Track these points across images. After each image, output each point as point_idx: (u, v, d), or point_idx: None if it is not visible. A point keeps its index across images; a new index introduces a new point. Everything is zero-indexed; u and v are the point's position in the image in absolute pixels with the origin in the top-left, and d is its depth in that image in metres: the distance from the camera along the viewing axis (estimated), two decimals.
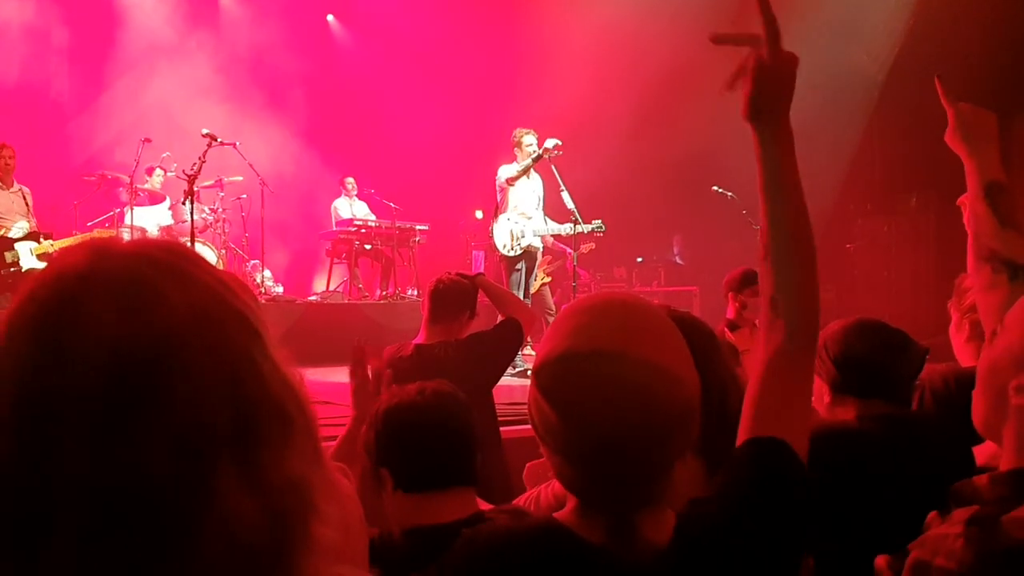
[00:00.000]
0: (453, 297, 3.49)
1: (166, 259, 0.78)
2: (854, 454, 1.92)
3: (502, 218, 7.78)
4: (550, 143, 7.41)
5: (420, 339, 3.47)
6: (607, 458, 1.13)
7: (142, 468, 0.69)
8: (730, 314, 4.66)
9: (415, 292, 10.52)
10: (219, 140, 7.70)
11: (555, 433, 1.16)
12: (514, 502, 2.07)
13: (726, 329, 4.49)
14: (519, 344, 3.63)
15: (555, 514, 1.23)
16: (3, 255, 6.83)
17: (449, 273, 3.58)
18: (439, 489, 1.86)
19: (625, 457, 1.12)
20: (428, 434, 1.91)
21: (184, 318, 0.74)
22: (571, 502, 1.21)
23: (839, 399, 2.11)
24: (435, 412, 1.93)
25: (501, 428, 3.67)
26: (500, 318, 3.72)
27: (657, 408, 1.11)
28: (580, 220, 7.51)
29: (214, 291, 0.78)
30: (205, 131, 7.65)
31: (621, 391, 1.11)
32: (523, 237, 7.74)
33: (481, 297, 3.65)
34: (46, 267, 0.79)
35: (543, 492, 1.99)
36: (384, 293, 10.38)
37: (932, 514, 1.26)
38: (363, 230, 10.28)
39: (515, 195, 7.72)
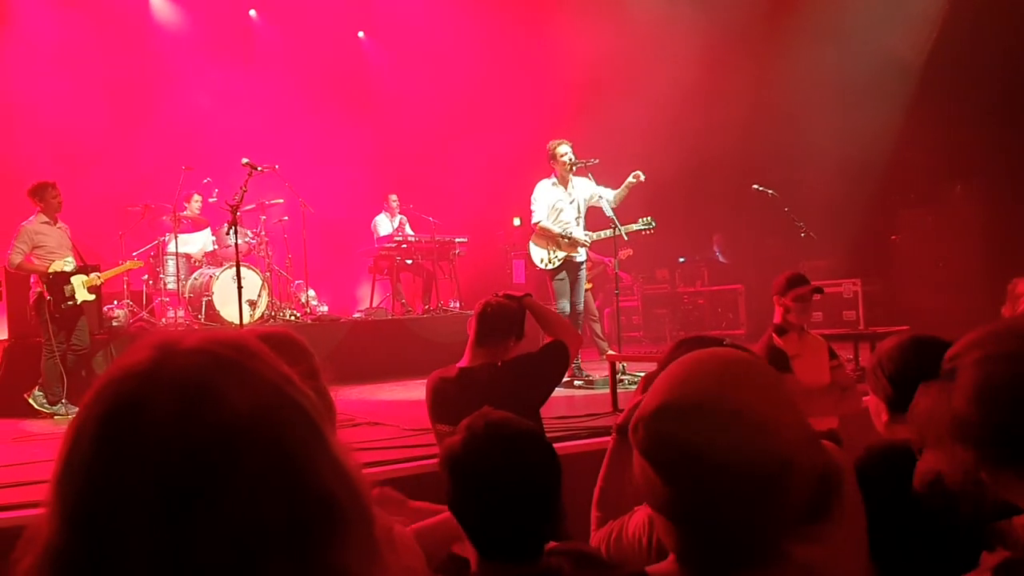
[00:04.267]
0: (500, 320, 3.44)
1: (230, 356, 0.79)
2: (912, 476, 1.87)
3: (534, 236, 7.85)
4: (631, 179, 7.47)
5: (465, 362, 3.45)
6: (704, 516, 1.08)
7: (198, 567, 0.71)
8: (776, 318, 4.60)
9: (457, 305, 10.58)
10: (259, 168, 7.80)
11: (653, 489, 1.11)
12: (594, 536, 1.98)
13: (773, 334, 4.50)
14: (565, 366, 3.60)
15: (651, 568, 1.20)
16: (63, 289, 7.03)
17: (496, 295, 3.54)
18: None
19: (724, 516, 1.07)
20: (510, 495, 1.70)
21: (243, 417, 0.76)
22: (671, 557, 1.18)
23: (897, 417, 2.07)
24: (518, 467, 1.71)
25: None
26: (546, 339, 3.70)
27: (758, 464, 1.06)
28: (619, 225, 7.50)
29: (276, 387, 0.79)
30: (245, 160, 7.75)
31: (720, 447, 1.06)
32: (558, 250, 7.76)
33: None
34: (113, 365, 0.80)
35: (626, 527, 1.89)
36: (427, 307, 10.47)
37: (984, 554, 1.21)
38: (404, 245, 10.38)
39: (551, 209, 7.75)
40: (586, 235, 7.82)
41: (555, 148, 7.73)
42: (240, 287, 7.27)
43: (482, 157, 12.03)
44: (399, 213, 11.02)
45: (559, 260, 7.74)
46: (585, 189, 7.87)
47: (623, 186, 7.66)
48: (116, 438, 0.74)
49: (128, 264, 8.35)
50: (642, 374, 2.67)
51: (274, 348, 0.85)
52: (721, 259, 12.70)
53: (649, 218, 7.70)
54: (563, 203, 7.80)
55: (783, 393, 1.14)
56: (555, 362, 3.52)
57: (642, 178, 7.50)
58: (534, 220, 7.79)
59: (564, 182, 7.81)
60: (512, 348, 3.46)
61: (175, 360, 0.78)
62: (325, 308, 10.70)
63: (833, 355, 4.63)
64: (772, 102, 11.44)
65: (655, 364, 1.92)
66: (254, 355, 0.81)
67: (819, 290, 4.58)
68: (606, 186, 7.77)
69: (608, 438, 2.18)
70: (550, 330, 3.71)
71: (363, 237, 11.24)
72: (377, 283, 10.76)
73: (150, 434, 0.73)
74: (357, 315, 10.73)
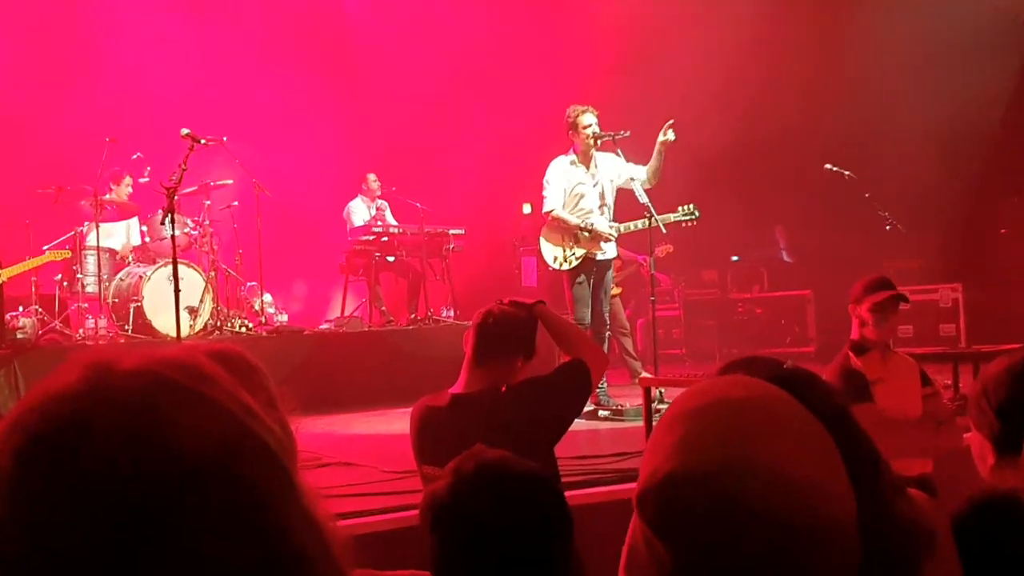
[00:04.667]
0: (505, 335, 3.43)
1: (180, 380, 0.80)
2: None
3: (547, 226, 7.91)
4: (662, 136, 7.52)
5: (459, 387, 3.45)
6: None
7: None
8: (854, 333, 4.64)
9: (451, 313, 10.61)
10: (203, 140, 7.81)
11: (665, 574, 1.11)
12: None
13: (850, 353, 4.52)
14: (587, 392, 3.60)
15: None
16: None
17: (500, 302, 3.53)
18: None
19: None
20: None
21: (199, 454, 0.77)
22: None
23: (1006, 460, 2.07)
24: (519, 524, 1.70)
25: (566, 493, 3.63)
26: (562, 358, 3.70)
27: (795, 538, 1.05)
28: (655, 214, 7.53)
29: (236, 419, 0.81)
30: (185, 131, 7.76)
31: (745, 519, 1.06)
32: (576, 246, 7.82)
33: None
34: (32, 391, 0.81)
35: None
36: (413, 316, 10.47)
37: None
38: (384, 238, 10.39)
39: (569, 195, 7.81)
40: (612, 227, 7.86)
41: (576, 117, 7.78)
42: (177, 290, 7.28)
43: (485, 128, 12.04)
44: (379, 198, 11.05)
45: (577, 258, 7.80)
46: (612, 169, 7.90)
47: (655, 153, 7.68)
48: (43, 476, 0.74)
49: (45, 257, 8.31)
50: None
51: (227, 370, 0.86)
52: (785, 258, 12.80)
53: (691, 206, 7.73)
54: (584, 186, 7.85)
55: (821, 437, 1.13)
56: (574, 387, 3.52)
57: (671, 137, 7.53)
58: (547, 208, 7.87)
59: (586, 160, 7.85)
60: (519, 369, 3.46)
61: (115, 383, 0.78)
62: (285, 317, 10.71)
63: (926, 380, 4.63)
64: (846, 63, 11.55)
65: None
66: (209, 379, 0.82)
67: (902, 297, 4.60)
68: (637, 164, 7.82)
69: None
70: (568, 347, 3.71)
71: (333, 228, 11.26)
72: (351, 286, 10.82)
73: (86, 473, 0.73)
74: (325, 326, 10.74)
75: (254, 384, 0.88)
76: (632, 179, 7.71)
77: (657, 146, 7.63)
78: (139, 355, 0.83)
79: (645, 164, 7.75)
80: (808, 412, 1.15)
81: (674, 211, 7.72)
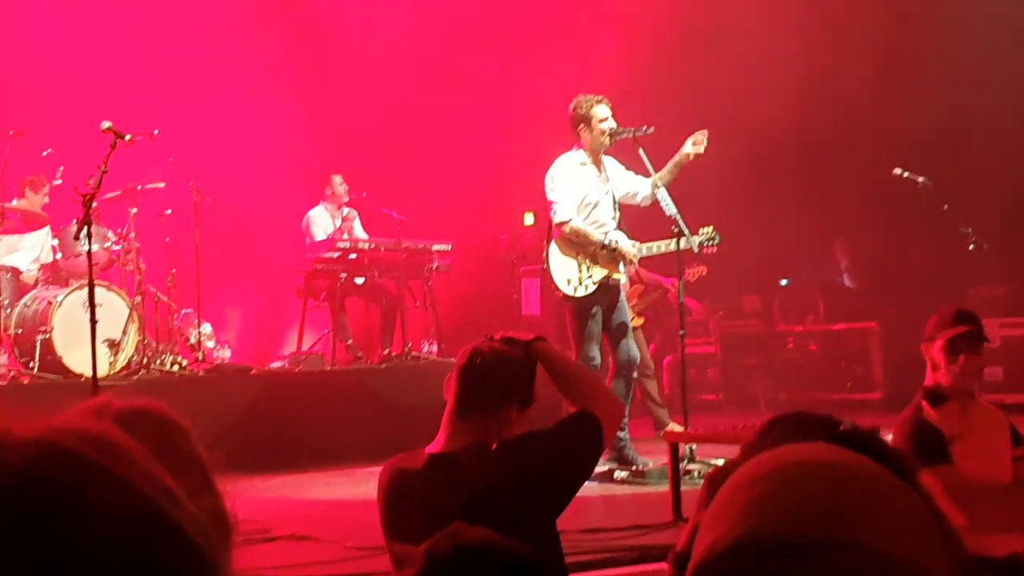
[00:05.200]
0: (496, 381, 3.40)
1: (84, 453, 0.80)
2: None
3: (558, 240, 7.90)
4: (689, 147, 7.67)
5: (439, 443, 3.42)
6: None
7: None
8: (929, 378, 4.66)
9: (434, 348, 10.58)
10: (128, 136, 7.80)
11: None
12: None
13: (924, 403, 4.53)
14: (598, 451, 3.59)
15: None
16: None
17: (490, 339, 3.49)
18: None
19: None
20: None
21: (108, 536, 0.77)
22: None
23: None
24: None
25: None
26: (569, 409, 3.69)
27: None
28: (686, 230, 7.60)
29: (149, 500, 0.80)
30: (106, 124, 7.73)
31: None
32: (595, 266, 7.83)
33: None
34: None
35: None
36: (387, 352, 10.45)
37: None
38: (353, 255, 10.36)
39: (582, 203, 7.86)
40: (634, 245, 7.92)
41: (589, 108, 7.85)
42: (94, 320, 7.19)
43: (476, 120, 12.07)
44: (346, 205, 11.05)
45: (595, 283, 7.83)
46: (619, 176, 8.04)
47: (670, 166, 7.79)
48: None
49: None
50: (721, 461, 2.64)
51: (143, 439, 0.86)
52: (846, 282, 12.87)
53: (711, 229, 7.91)
54: (597, 193, 7.92)
55: (918, 507, 1.13)
56: (582, 445, 3.48)
57: (702, 148, 7.64)
58: (559, 217, 7.87)
59: (597, 161, 7.93)
60: (514, 422, 3.44)
61: (5, 456, 0.78)
62: (227, 353, 10.70)
63: (1018, 438, 4.62)
64: (922, 43, 11.61)
65: (740, 447, 1.92)
66: (123, 456, 0.82)
67: (981, 335, 4.58)
68: (645, 174, 7.90)
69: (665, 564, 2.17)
70: (575, 394, 3.68)
71: (289, 242, 11.24)
72: (310, 313, 10.79)
73: None
74: (277, 364, 10.75)
75: (179, 458, 0.87)
76: (657, 186, 7.75)
77: (677, 157, 7.74)
78: (37, 425, 0.82)
79: (646, 175, 7.84)
80: (903, 487, 1.16)
81: (694, 232, 7.82)
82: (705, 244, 7.88)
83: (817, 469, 1.13)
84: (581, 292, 7.81)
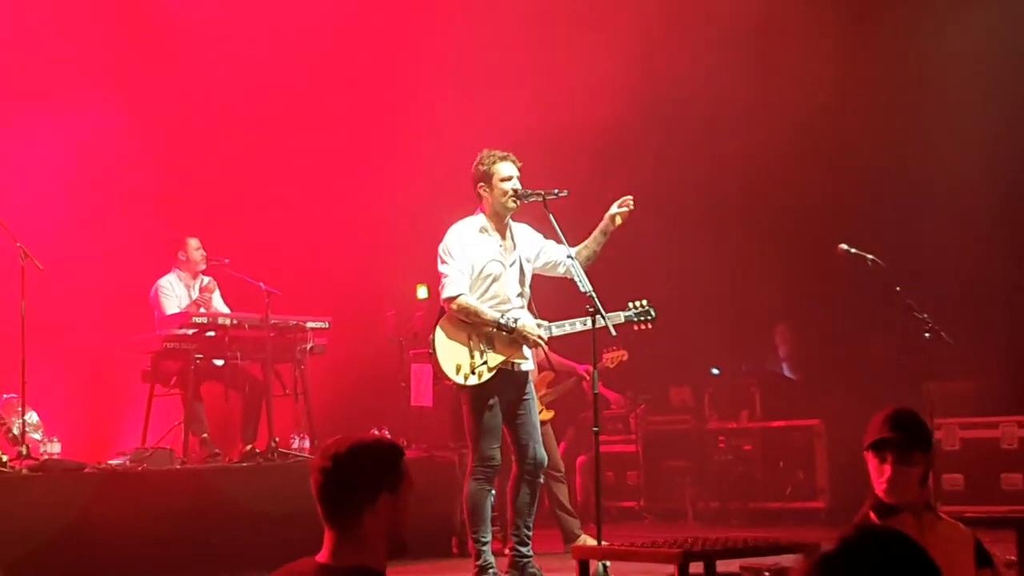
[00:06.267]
0: (352, 484, 3.43)
1: None
2: None
3: (447, 320, 7.86)
4: (615, 210, 7.75)
5: (324, 554, 3.44)
6: None
7: None
8: (876, 485, 4.63)
9: (305, 443, 10.50)
10: None
11: None
12: None
13: (871, 514, 4.55)
14: None
15: None
16: None
17: (343, 441, 3.49)
18: None
19: None
20: None
21: None
22: None
23: None
24: None
25: None
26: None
27: None
28: (601, 308, 7.57)
29: None
30: None
31: None
32: (490, 350, 7.80)
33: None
34: None
35: None
36: (250, 448, 10.35)
37: None
38: (210, 332, 10.27)
39: (479, 275, 7.84)
40: (541, 325, 7.90)
41: (491, 165, 7.86)
42: None
43: (361, 177, 12.12)
44: (204, 273, 11.01)
45: (491, 370, 7.76)
46: (528, 244, 8.04)
47: (596, 234, 7.87)
48: None
49: None
50: None
51: None
52: (786, 372, 12.89)
53: (644, 303, 7.97)
54: (498, 264, 7.89)
55: None
56: None
57: (626, 211, 7.75)
58: (447, 293, 7.81)
59: (500, 228, 7.94)
60: (395, 509, 3.47)
61: None
62: (57, 447, 10.27)
63: (983, 557, 4.61)
64: (871, 91, 11.83)
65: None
66: None
67: (909, 443, 4.51)
68: (557, 242, 7.93)
69: None
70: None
71: (134, 316, 11.15)
72: (158, 401, 10.65)
73: None
74: (117, 461, 10.37)
75: None
76: (556, 263, 7.87)
77: (602, 225, 7.82)
78: None
79: (571, 244, 7.85)
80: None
81: (623, 307, 7.88)
82: (637, 320, 7.90)
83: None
84: (473, 381, 7.72)
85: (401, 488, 3.48)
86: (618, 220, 7.79)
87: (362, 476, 3.43)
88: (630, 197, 7.80)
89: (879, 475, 4.51)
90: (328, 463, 3.43)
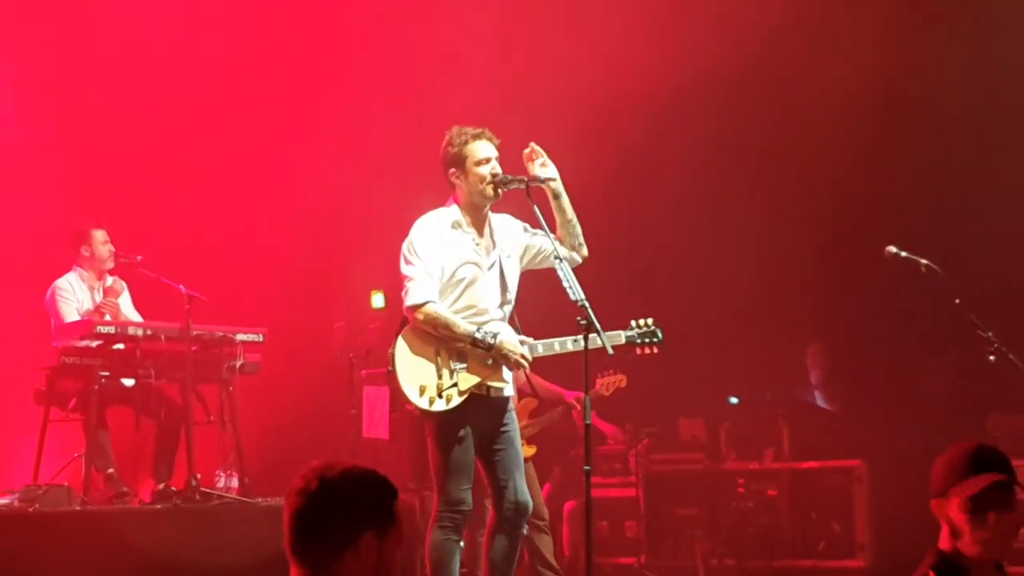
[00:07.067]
0: (339, 515, 3.51)
1: None
2: None
3: (411, 331, 7.75)
4: (542, 172, 7.78)
5: None
6: None
7: None
8: (943, 541, 4.60)
9: (233, 482, 10.57)
10: None
11: None
12: None
13: (930, 573, 4.48)
14: None
15: None
16: None
17: (332, 464, 3.59)
18: None
19: None
20: None
21: None
22: None
23: None
24: None
25: None
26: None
27: None
28: (597, 324, 7.37)
29: None
30: None
31: None
32: (462, 370, 7.65)
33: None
34: None
35: None
36: (163, 487, 10.32)
37: None
38: (119, 344, 10.20)
39: (450, 278, 7.75)
40: (525, 342, 7.84)
41: (462, 146, 7.78)
42: None
43: (307, 160, 12.24)
44: (111, 273, 11.07)
45: (461, 394, 7.67)
46: (511, 240, 7.98)
47: (554, 208, 7.91)
48: None
49: None
50: None
51: None
52: (820, 402, 12.85)
53: (650, 321, 7.98)
54: (473, 267, 7.84)
55: None
56: None
57: (546, 171, 7.79)
58: (411, 299, 7.75)
59: (478, 221, 7.89)
60: (379, 553, 3.56)
61: None
62: None
63: None
64: (920, 80, 11.94)
65: None
66: None
67: (1012, 484, 4.50)
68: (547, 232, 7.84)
69: None
70: None
71: (26, 325, 11.27)
72: (53, 428, 10.62)
73: None
74: (5, 500, 10.35)
75: None
76: (555, 256, 7.65)
77: (545, 189, 7.83)
78: None
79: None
80: None
81: (625, 326, 7.85)
82: (640, 342, 7.87)
83: None
84: (440, 406, 7.61)
85: (390, 534, 3.60)
86: (550, 180, 7.78)
87: (352, 508, 3.57)
88: (530, 146, 7.84)
89: (978, 529, 4.43)
90: (314, 485, 3.56)
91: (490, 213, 7.93)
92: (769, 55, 12.12)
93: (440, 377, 7.67)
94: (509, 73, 11.82)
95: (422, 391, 7.65)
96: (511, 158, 7.87)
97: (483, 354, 7.69)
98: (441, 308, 7.67)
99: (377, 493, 3.62)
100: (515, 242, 7.96)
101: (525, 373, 8.27)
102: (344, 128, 12.20)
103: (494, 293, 7.83)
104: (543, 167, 7.76)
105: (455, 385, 7.66)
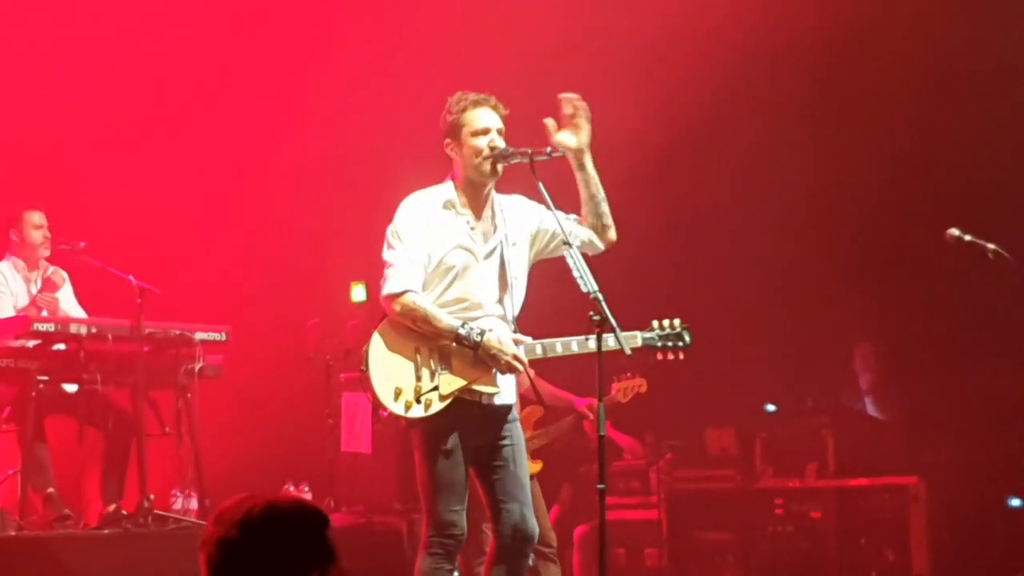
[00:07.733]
0: (267, 564, 3.45)
1: None
2: None
3: (389, 326, 7.65)
4: (564, 138, 7.61)
5: None
6: None
7: None
8: None
9: (192, 503, 10.59)
10: None
11: None
12: None
13: None
14: None
15: None
16: None
17: (252, 503, 3.47)
18: None
19: None
20: None
21: None
22: None
23: None
24: None
25: None
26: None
27: None
28: (611, 316, 7.21)
29: None
30: None
31: None
32: (445, 371, 7.53)
33: None
34: None
35: None
36: (114, 508, 10.41)
37: None
38: (60, 344, 10.18)
39: (437, 265, 7.65)
40: (522, 341, 7.71)
41: (460, 113, 7.65)
42: None
43: (278, 130, 12.37)
44: (49, 262, 11.18)
45: (443, 398, 7.54)
46: (523, 224, 7.81)
47: (579, 182, 7.77)
48: None
49: None
50: None
51: None
52: (870, 410, 12.80)
53: (677, 322, 7.91)
54: (466, 254, 7.73)
55: None
56: None
57: (577, 138, 7.60)
58: (389, 287, 7.61)
59: (476, 202, 7.78)
60: None
61: None
62: None
63: None
64: (983, 49, 12.06)
65: None
66: None
67: None
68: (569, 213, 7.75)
69: None
70: None
71: None
72: None
73: None
74: None
75: None
76: (566, 241, 7.47)
77: (574, 163, 7.63)
78: None
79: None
80: None
81: (646, 327, 7.80)
82: (663, 346, 7.78)
83: None
84: (417, 412, 7.49)
85: (332, 571, 3.56)
86: (568, 144, 7.57)
87: (282, 553, 3.51)
88: (568, 96, 7.62)
89: None
90: (233, 532, 3.47)
91: (496, 194, 7.77)
92: (829, 31, 12.21)
93: (419, 379, 7.56)
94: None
95: (397, 394, 7.52)
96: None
97: (470, 354, 7.54)
98: (421, 299, 7.55)
99: (311, 527, 3.54)
100: (524, 227, 7.81)
101: (529, 377, 8.16)
102: (325, 94, 12.36)
103: (491, 285, 7.70)
104: (573, 129, 7.54)
105: (435, 388, 7.54)
